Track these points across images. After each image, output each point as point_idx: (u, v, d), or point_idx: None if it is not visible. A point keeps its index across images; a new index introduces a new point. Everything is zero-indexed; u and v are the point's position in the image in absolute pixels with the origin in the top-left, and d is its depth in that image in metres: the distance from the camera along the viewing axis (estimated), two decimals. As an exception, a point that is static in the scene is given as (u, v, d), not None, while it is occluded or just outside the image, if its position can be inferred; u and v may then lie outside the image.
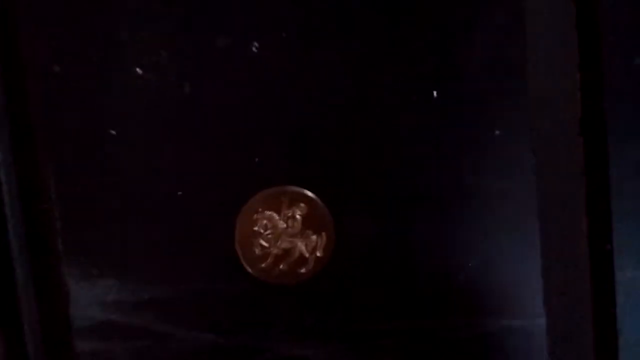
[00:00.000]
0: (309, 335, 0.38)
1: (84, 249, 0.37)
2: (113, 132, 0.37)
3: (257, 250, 0.37)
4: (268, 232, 0.37)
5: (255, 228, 0.37)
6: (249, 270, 0.38)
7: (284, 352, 0.38)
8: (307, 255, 0.37)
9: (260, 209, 0.37)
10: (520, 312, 0.38)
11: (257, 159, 0.37)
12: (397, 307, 0.38)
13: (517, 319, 0.39)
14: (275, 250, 0.37)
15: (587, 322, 0.38)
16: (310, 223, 0.37)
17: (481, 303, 0.38)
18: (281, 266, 0.38)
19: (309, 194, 0.37)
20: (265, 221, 0.37)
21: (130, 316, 0.38)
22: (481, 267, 0.38)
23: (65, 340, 0.38)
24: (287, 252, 0.38)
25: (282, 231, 0.37)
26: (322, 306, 0.38)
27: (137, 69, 0.36)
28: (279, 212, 0.37)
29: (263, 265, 0.38)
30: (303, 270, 0.38)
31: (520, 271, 0.38)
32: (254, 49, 0.36)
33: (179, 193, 0.37)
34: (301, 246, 0.37)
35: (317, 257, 0.38)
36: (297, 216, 0.37)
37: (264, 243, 0.37)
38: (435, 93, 0.37)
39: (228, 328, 0.38)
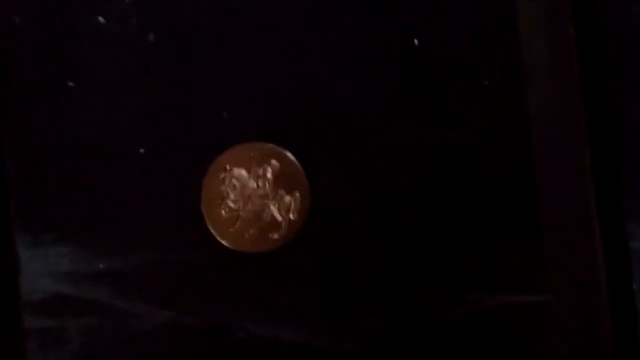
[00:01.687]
0: (281, 313, 0.34)
1: (37, 213, 0.34)
2: (71, 84, 0.34)
3: (225, 213, 0.34)
4: (236, 192, 0.34)
5: (223, 188, 0.34)
6: (216, 235, 0.34)
7: (253, 331, 0.34)
8: (279, 218, 0.34)
9: (228, 167, 0.34)
10: (521, 287, 0.34)
11: (225, 114, 0.34)
12: (381, 280, 0.34)
13: (519, 294, 0.34)
14: (244, 213, 0.34)
15: (601, 299, 0.34)
16: (282, 183, 0.34)
17: (476, 276, 0.34)
18: (251, 231, 0.34)
19: (281, 150, 0.34)
20: (233, 180, 0.34)
21: (84, 289, 0.34)
22: (474, 235, 0.34)
23: (13, 315, 0.34)
24: (257, 215, 0.34)
25: (252, 191, 0.34)
26: (296, 278, 0.34)
27: (100, 18, 0.34)
28: (248, 171, 0.34)
29: (231, 229, 0.34)
30: (275, 236, 0.34)
31: (520, 240, 0.34)
32: (223, -4, 0.35)
33: (141, 151, 0.34)
34: (273, 208, 0.34)
35: (291, 220, 0.34)
36: (269, 175, 0.34)
37: (231, 205, 0.34)
38: (416, 41, 0.34)
39: (191, 303, 0.34)
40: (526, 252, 0.34)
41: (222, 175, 0.34)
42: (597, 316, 0.34)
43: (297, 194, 0.34)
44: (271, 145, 0.34)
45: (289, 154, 0.34)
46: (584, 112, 0.35)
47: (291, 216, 0.34)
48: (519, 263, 0.34)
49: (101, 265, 0.34)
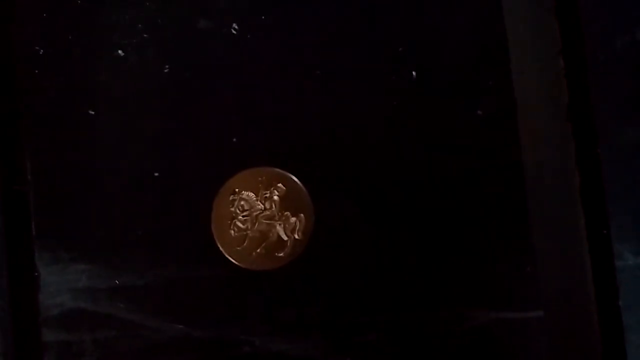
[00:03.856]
0: (287, 328, 0.36)
1: (57, 232, 0.36)
2: (92, 112, 0.37)
3: (234, 232, 0.36)
4: (245, 213, 0.36)
5: (232, 209, 0.36)
6: (225, 254, 0.36)
7: (260, 345, 0.36)
8: (285, 238, 0.36)
9: (237, 190, 0.36)
10: (513, 304, 0.36)
11: (234, 140, 0.37)
12: (381, 297, 0.36)
13: (511, 311, 0.36)
14: (252, 233, 0.36)
15: (590, 315, 0.36)
16: (288, 204, 0.36)
17: (471, 294, 0.36)
18: (258, 249, 0.36)
19: (287, 174, 0.36)
20: (242, 202, 0.36)
21: (100, 304, 0.36)
22: (470, 255, 0.36)
23: (33, 329, 0.36)
24: (264, 235, 0.36)
25: (259, 213, 0.36)
26: (301, 295, 0.36)
27: (119, 51, 0.37)
28: (256, 193, 0.36)
29: (239, 248, 0.36)
30: (281, 254, 0.36)
31: (513, 260, 0.36)
32: (233, 31, 0.37)
33: (156, 174, 0.36)
34: (279, 228, 0.36)
35: (296, 239, 0.36)
36: (275, 197, 0.36)
37: (240, 225, 0.36)
38: (414, 74, 0.37)
39: (202, 319, 0.36)
40: (519, 270, 0.36)
41: (231, 198, 0.36)
42: (586, 332, 0.36)
43: (302, 215, 0.36)
44: (278, 170, 0.36)
45: (294, 178, 0.36)
46: (573, 139, 0.37)
47: (296, 236, 0.36)
48: (511, 281, 0.36)
49: (117, 281, 0.36)
